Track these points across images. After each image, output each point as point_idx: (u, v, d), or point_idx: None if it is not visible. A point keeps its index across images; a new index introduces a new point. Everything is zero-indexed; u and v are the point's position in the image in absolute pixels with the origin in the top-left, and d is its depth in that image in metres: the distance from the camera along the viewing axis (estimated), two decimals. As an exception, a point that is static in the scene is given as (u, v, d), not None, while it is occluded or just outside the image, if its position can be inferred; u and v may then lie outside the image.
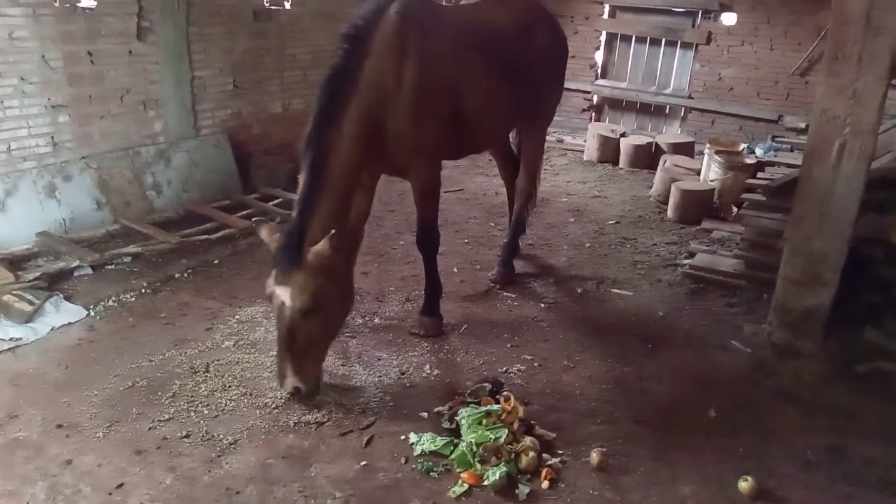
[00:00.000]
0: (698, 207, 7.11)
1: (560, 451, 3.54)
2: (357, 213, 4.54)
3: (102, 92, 5.96)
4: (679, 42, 9.96)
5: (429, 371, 4.24)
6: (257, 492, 3.19)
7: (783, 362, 4.50)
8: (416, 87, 4.02)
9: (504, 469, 3.29)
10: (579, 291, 5.46)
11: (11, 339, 4.28)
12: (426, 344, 4.53)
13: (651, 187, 8.08)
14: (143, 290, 5.05)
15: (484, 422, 3.54)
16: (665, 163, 7.95)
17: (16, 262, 5.11)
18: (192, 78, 6.69)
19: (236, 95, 7.27)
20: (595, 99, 10.84)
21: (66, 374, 4.01)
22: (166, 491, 3.16)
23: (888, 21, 3.94)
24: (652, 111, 10.50)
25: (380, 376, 4.14)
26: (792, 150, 7.50)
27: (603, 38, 10.54)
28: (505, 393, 3.80)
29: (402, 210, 6.93)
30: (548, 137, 8.26)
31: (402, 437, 3.59)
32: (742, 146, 8.22)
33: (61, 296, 4.79)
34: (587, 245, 6.44)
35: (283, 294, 3.52)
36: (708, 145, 7.92)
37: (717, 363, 4.53)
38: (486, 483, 3.26)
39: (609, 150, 9.33)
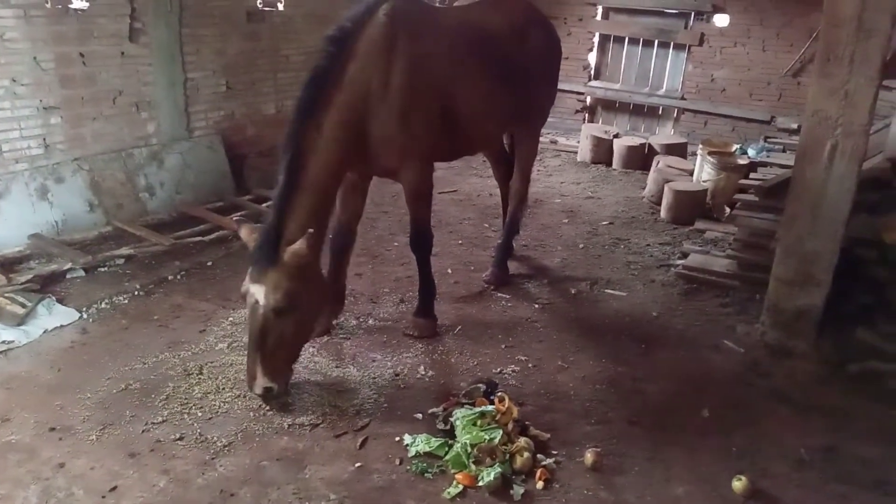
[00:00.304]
0: (691, 208, 7.14)
1: (554, 452, 3.54)
2: (350, 215, 4.55)
3: (95, 93, 5.93)
4: (672, 43, 10.00)
5: (423, 372, 4.24)
6: (251, 494, 3.18)
7: (776, 362, 4.52)
8: (407, 90, 4.01)
9: (499, 470, 3.29)
10: (573, 292, 5.47)
11: (3, 342, 4.26)
12: (420, 345, 4.53)
13: (644, 188, 8.11)
14: (136, 293, 5.03)
15: (478, 423, 3.55)
16: (658, 164, 7.97)
17: (8, 265, 5.08)
18: (184, 79, 6.67)
19: (229, 97, 7.25)
20: (588, 100, 10.87)
21: (58, 377, 3.99)
22: (160, 494, 3.15)
23: (880, 23, 3.96)
24: (645, 112, 10.54)
25: (374, 377, 4.14)
26: (784, 151, 7.51)
27: (596, 39, 10.58)
28: (499, 394, 3.79)
29: (396, 211, 6.93)
30: (541, 139, 8.32)
31: (397, 439, 3.58)
32: (734, 147, 8.27)
33: (54, 298, 4.77)
34: (581, 246, 6.46)
35: (258, 292, 3.51)
36: (701, 146, 7.95)
37: (710, 363, 4.55)
38: (480, 484, 3.26)
39: (602, 152, 9.37)
